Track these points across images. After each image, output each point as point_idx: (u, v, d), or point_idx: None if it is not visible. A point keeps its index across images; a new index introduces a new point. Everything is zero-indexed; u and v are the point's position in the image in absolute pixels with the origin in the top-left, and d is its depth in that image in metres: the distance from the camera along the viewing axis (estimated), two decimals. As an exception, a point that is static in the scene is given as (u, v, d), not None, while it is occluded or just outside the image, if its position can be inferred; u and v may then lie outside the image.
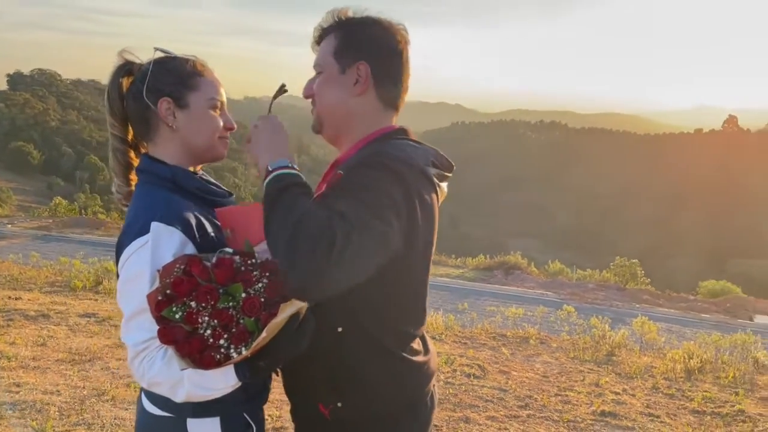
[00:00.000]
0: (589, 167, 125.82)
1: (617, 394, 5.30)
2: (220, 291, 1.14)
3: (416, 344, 1.48)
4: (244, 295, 1.14)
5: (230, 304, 1.14)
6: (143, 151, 1.54)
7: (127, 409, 4.00)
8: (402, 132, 1.48)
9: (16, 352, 5.10)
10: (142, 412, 1.47)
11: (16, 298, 7.58)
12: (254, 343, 1.13)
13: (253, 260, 1.19)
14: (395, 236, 1.24)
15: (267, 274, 1.17)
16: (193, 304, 1.13)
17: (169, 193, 1.42)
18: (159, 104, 1.44)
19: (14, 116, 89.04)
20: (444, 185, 1.48)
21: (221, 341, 1.13)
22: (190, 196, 1.45)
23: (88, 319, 6.70)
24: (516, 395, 5.01)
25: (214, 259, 1.19)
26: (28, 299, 7.64)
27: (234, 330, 1.14)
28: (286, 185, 1.25)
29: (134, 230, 1.34)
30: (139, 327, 1.31)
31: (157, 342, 1.25)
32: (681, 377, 6.05)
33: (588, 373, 5.97)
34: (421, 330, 1.50)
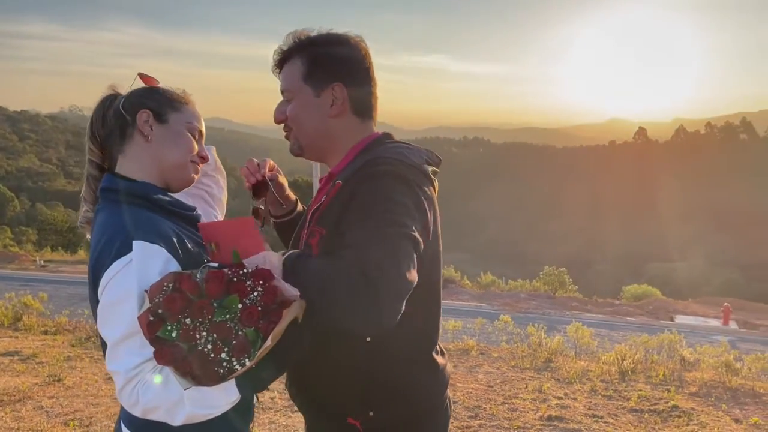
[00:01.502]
0: (513, 181, 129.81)
1: (560, 398, 5.45)
2: (215, 305, 1.11)
3: (436, 349, 1.50)
4: (240, 305, 1.11)
5: (227, 316, 1.11)
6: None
7: (66, 450, 3.77)
8: (388, 137, 1.50)
9: (-65, 397, 4.73)
10: None
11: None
12: (258, 353, 1.11)
13: (244, 270, 1.17)
14: (419, 237, 1.26)
15: (260, 282, 1.15)
16: (188, 321, 1.10)
17: (143, 210, 1.36)
18: (139, 114, 1.41)
19: None
20: (436, 182, 1.50)
21: (222, 355, 1.10)
22: (164, 212, 1.39)
23: (12, 357, 6.29)
24: (465, 406, 5.07)
25: (201, 275, 1.16)
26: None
27: (234, 342, 1.11)
28: (293, 267, 1.22)
29: (113, 250, 1.27)
30: (129, 352, 1.24)
31: (150, 365, 1.21)
32: (616, 378, 6.29)
33: (530, 380, 6.12)
34: (438, 335, 1.52)
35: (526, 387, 5.81)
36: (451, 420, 4.63)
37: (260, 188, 1.69)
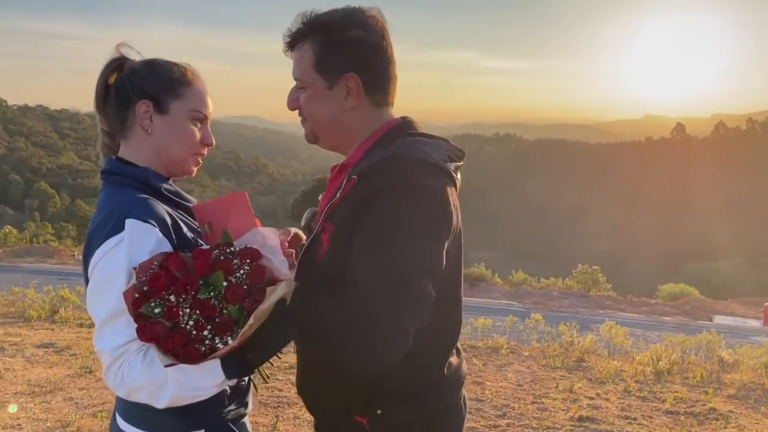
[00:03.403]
0: (546, 178, 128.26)
1: (591, 398, 5.32)
2: (200, 282, 1.09)
3: (452, 352, 1.44)
4: (225, 283, 1.09)
5: (212, 294, 1.09)
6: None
7: (93, 441, 3.81)
8: (408, 125, 1.41)
9: (-30, 387, 4.84)
10: None
11: (-30, 332, 7.23)
12: (241, 332, 1.08)
13: (232, 248, 1.15)
14: (436, 262, 1.23)
15: (248, 260, 1.13)
16: (172, 298, 1.08)
17: (141, 194, 1.34)
18: (138, 105, 1.37)
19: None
20: (459, 176, 1.42)
21: (205, 332, 1.08)
22: (161, 197, 1.37)
23: (46, 349, 6.42)
24: (493, 405, 4.98)
25: (189, 253, 1.15)
26: (-17, 332, 7.30)
27: (218, 320, 1.08)
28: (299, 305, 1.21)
29: (106, 229, 1.25)
30: (115, 331, 1.21)
31: (136, 345, 1.19)
32: (651, 379, 6.12)
33: (560, 379, 5.99)
34: (458, 337, 1.46)
35: (557, 386, 5.69)
36: (478, 419, 4.53)
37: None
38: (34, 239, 29.22)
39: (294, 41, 1.36)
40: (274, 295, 1.11)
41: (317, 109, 1.37)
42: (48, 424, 4.06)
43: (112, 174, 1.38)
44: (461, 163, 1.43)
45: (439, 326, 1.35)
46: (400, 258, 1.17)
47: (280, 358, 1.34)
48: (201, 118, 1.43)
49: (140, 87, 1.38)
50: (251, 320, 1.08)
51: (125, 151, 1.42)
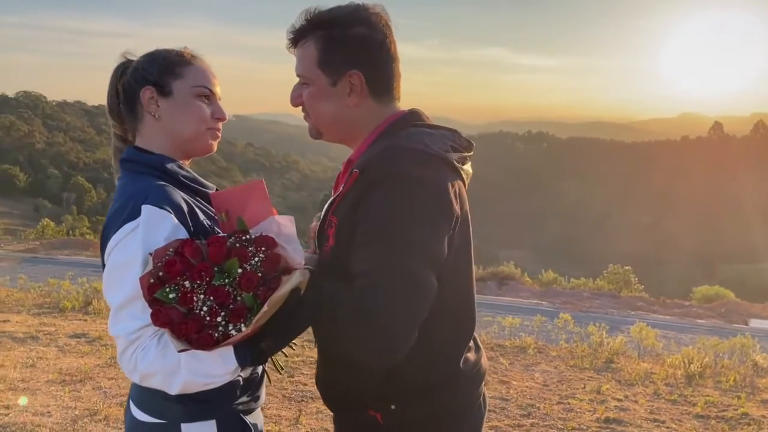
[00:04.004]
0: (578, 176, 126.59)
1: (619, 400, 5.23)
2: (215, 269, 1.10)
3: (468, 347, 1.42)
4: (240, 270, 1.10)
5: (226, 280, 1.09)
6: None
7: (120, 429, 3.88)
8: (414, 116, 1.39)
9: (4, 374, 4.96)
10: (130, 421, 1.39)
11: (4, 321, 7.42)
12: (255, 319, 1.08)
13: (247, 236, 1.15)
14: (437, 251, 1.21)
15: (263, 248, 1.13)
16: (186, 283, 1.09)
17: (158, 180, 1.35)
18: (142, 93, 1.39)
19: None
20: (467, 167, 1.41)
21: (218, 319, 1.08)
22: (179, 184, 1.38)
23: (78, 339, 6.56)
24: (518, 404, 4.93)
25: (205, 240, 1.16)
26: (17, 321, 7.49)
27: (231, 307, 1.09)
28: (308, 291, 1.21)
29: (123, 216, 1.27)
30: (130, 316, 1.22)
31: (151, 330, 1.20)
32: (682, 382, 5.99)
33: (588, 380, 5.90)
34: (473, 331, 1.44)
35: (584, 387, 5.60)
36: (502, 418, 4.49)
37: None
38: (71, 232, 29.90)
39: (297, 38, 1.36)
40: (288, 284, 1.11)
41: (320, 106, 1.37)
42: (76, 412, 4.15)
43: (130, 162, 1.40)
44: (470, 153, 1.41)
45: (451, 320, 1.34)
46: (397, 248, 1.17)
47: (293, 348, 1.34)
48: (206, 94, 1.44)
49: (142, 77, 1.41)
50: (265, 308, 1.08)
51: (140, 141, 1.44)
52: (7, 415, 4.02)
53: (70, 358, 5.71)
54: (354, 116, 1.37)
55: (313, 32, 1.34)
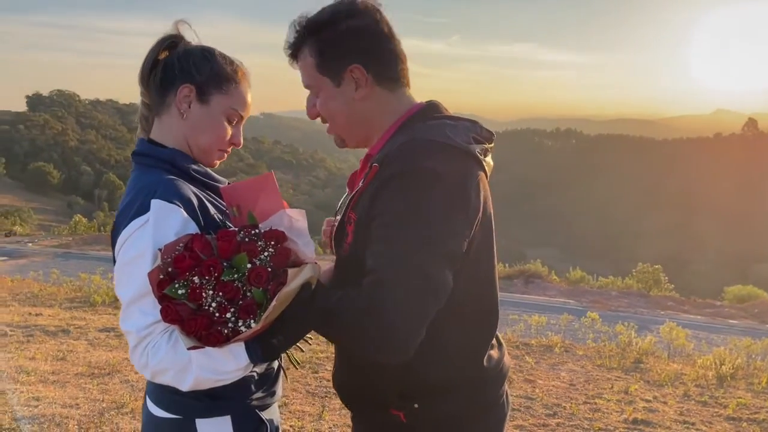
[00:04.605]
0: (608, 174, 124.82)
1: (648, 401, 5.13)
2: (224, 264, 1.08)
3: (491, 344, 1.39)
4: (249, 265, 1.08)
5: (235, 276, 1.07)
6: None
7: (146, 423, 3.92)
8: (433, 108, 1.36)
9: (35, 366, 5.07)
10: (147, 416, 1.39)
11: (36, 314, 7.59)
12: (264, 315, 1.06)
13: (257, 230, 1.13)
14: (453, 248, 1.18)
15: (272, 243, 1.11)
16: (196, 279, 1.07)
17: (169, 174, 1.34)
18: (181, 88, 1.37)
19: (34, 137, 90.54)
20: (489, 158, 1.37)
21: (228, 315, 1.06)
22: (189, 179, 1.37)
23: (108, 333, 6.67)
24: (543, 403, 4.87)
25: (214, 235, 1.14)
26: (49, 315, 7.65)
27: (241, 302, 1.07)
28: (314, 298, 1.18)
29: (132, 210, 1.25)
30: (141, 311, 1.21)
31: (162, 326, 1.19)
32: (713, 384, 5.86)
33: (616, 380, 5.81)
34: (497, 327, 1.41)
35: (612, 387, 5.51)
36: (527, 417, 4.43)
37: None
38: (102, 228, 30.48)
39: (294, 51, 1.36)
40: (298, 278, 1.09)
41: (333, 109, 1.35)
42: (104, 405, 4.21)
43: (142, 155, 1.39)
44: (491, 145, 1.37)
45: (472, 317, 1.31)
46: (411, 245, 1.14)
47: (309, 343, 1.33)
48: (236, 118, 1.43)
49: (188, 71, 1.37)
50: (274, 303, 1.06)
51: (156, 131, 1.42)
52: (36, 407, 4.09)
53: (99, 351, 5.80)
54: (367, 110, 1.34)
55: (305, 41, 1.33)
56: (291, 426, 4.03)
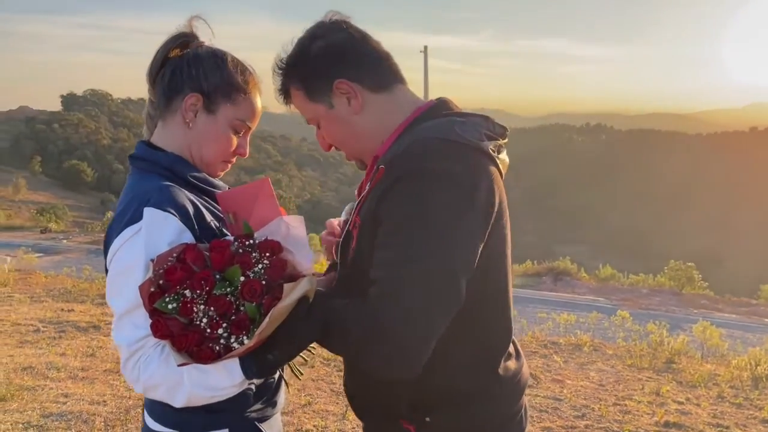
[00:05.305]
0: (639, 170, 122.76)
1: (681, 403, 5.00)
2: (217, 277, 1.03)
3: (507, 354, 1.32)
4: (242, 278, 1.03)
5: (228, 289, 1.02)
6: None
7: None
8: (442, 105, 1.30)
9: (65, 362, 5.14)
10: (145, 430, 1.36)
11: (69, 310, 7.71)
12: (258, 331, 1.01)
13: (251, 240, 1.08)
14: (466, 255, 1.12)
15: (267, 254, 1.06)
16: (187, 293, 1.02)
17: (166, 181, 1.29)
18: (187, 96, 1.32)
19: (68, 136, 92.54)
20: (504, 155, 1.30)
21: (219, 330, 1.01)
22: (188, 186, 1.32)
23: (137, 329, 6.75)
24: (572, 405, 4.77)
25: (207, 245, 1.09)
26: (81, 311, 7.77)
27: (233, 318, 1.02)
28: (316, 306, 1.13)
29: (125, 218, 1.21)
30: (133, 324, 1.17)
31: (154, 340, 1.15)
32: (748, 385, 5.69)
33: (647, 381, 5.68)
34: (511, 337, 1.33)
35: (643, 388, 5.39)
36: (555, 418, 4.35)
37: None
38: (134, 225, 30.95)
39: (284, 95, 1.35)
40: (294, 293, 1.03)
41: (338, 132, 1.33)
42: (130, 402, 4.25)
43: (139, 160, 1.34)
44: (505, 141, 1.31)
45: (483, 326, 1.24)
46: (416, 253, 1.08)
47: (313, 353, 1.28)
48: (242, 129, 1.38)
49: (197, 78, 1.32)
50: (267, 319, 1.01)
51: (159, 135, 1.37)
52: (65, 403, 4.15)
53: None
54: (369, 121, 1.30)
55: (289, 80, 1.32)
56: (314, 426, 4.01)
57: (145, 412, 1.36)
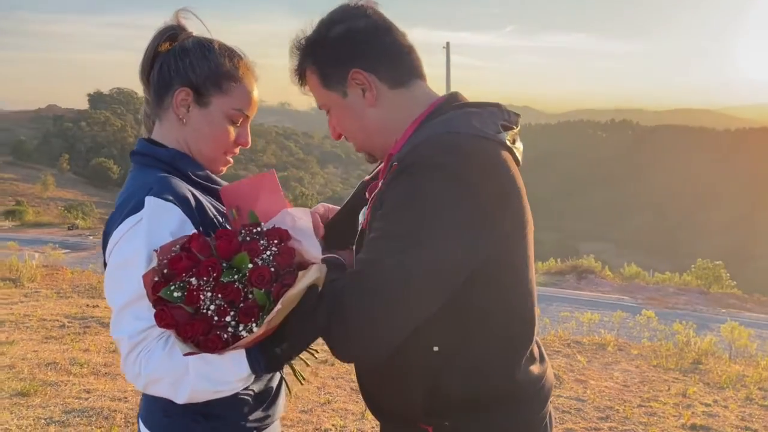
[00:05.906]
0: (665, 166, 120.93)
1: (708, 405, 4.89)
2: (224, 264, 1.01)
3: (529, 357, 1.25)
4: (250, 265, 1.00)
5: (235, 277, 1.00)
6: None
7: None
8: (453, 99, 1.25)
9: (88, 358, 5.19)
10: None
11: (93, 306, 7.81)
12: (267, 318, 0.98)
13: (259, 228, 1.06)
14: (455, 253, 1.07)
15: (275, 241, 1.03)
16: (193, 280, 0.99)
17: (168, 174, 1.25)
18: (177, 91, 1.28)
19: (95, 134, 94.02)
20: (519, 144, 1.25)
21: (227, 318, 0.98)
22: (189, 181, 1.29)
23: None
24: (595, 406, 4.69)
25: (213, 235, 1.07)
26: (105, 307, 7.85)
27: (242, 305, 0.99)
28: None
29: (126, 209, 1.17)
30: (135, 316, 1.12)
31: (156, 331, 1.11)
32: (777, 387, 5.55)
33: (673, 382, 5.56)
34: (533, 338, 1.27)
35: (668, 390, 5.28)
36: (578, 420, 4.27)
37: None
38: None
39: (300, 76, 1.30)
40: (304, 280, 1.01)
41: (349, 123, 1.28)
42: (151, 398, 4.27)
43: (140, 155, 1.31)
44: (518, 128, 1.25)
45: (502, 328, 1.18)
46: (398, 247, 1.05)
47: (316, 357, 1.25)
48: (239, 118, 1.33)
49: (184, 72, 1.28)
50: (278, 306, 0.98)
51: (157, 133, 1.35)
52: (87, 399, 4.19)
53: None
54: (382, 115, 1.25)
55: (306, 62, 1.27)
56: (333, 425, 3.99)
57: (140, 422, 1.31)
